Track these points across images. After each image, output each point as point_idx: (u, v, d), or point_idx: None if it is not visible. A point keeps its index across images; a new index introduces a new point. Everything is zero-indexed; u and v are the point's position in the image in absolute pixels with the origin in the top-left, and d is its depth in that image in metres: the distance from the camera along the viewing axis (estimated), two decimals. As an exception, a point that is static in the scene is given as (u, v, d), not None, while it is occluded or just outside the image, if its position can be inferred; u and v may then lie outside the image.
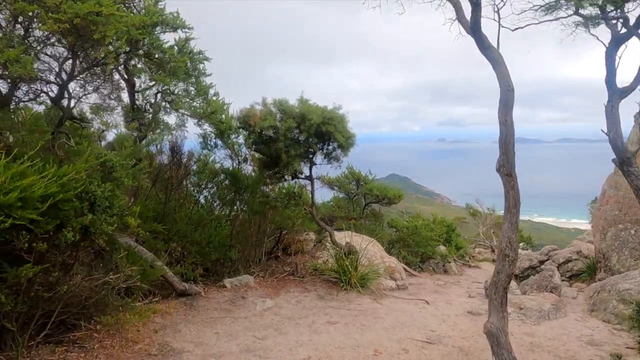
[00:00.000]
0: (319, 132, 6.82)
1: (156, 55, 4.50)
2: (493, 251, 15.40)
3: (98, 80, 4.68)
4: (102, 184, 4.15)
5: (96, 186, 4.02)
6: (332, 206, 10.56)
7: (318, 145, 7.14)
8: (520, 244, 17.72)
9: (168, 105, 6.51)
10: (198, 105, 6.58)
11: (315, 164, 7.64)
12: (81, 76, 4.24)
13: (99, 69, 5.36)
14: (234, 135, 8.07)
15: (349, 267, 7.36)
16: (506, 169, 3.60)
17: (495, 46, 3.72)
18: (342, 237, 9.03)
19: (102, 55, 3.70)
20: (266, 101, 7.22)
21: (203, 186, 8.05)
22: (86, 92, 4.45)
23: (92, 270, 4.92)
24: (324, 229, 8.02)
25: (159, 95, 6.59)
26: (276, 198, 7.97)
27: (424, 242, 11.40)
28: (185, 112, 6.48)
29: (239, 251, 7.53)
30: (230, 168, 7.98)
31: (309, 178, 7.70)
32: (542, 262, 10.19)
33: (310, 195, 7.90)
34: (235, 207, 7.70)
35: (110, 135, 8.09)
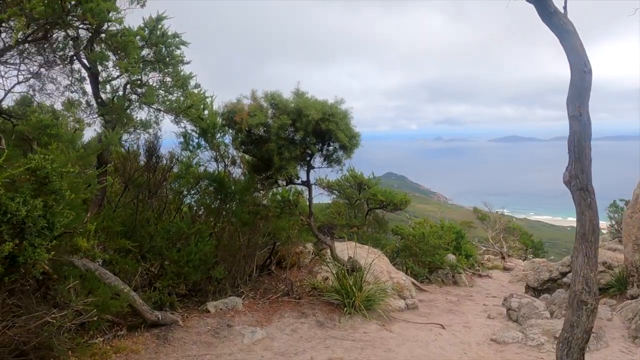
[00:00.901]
0: (318, 130, 5.80)
1: (94, 26, 3.46)
2: (503, 258, 14.41)
3: (39, 66, 3.63)
4: (31, 199, 3.11)
5: (19, 203, 2.99)
6: (331, 212, 9.55)
7: (317, 146, 6.12)
8: (529, 250, 16.76)
9: (138, 99, 5.48)
10: (174, 98, 5.55)
11: (314, 168, 6.61)
12: (7, 58, 3.20)
13: (48, 51, 4.33)
14: (219, 134, 7.04)
15: (353, 287, 6.35)
16: (580, 181, 2.59)
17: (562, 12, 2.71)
18: (344, 249, 8.03)
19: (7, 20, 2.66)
20: (256, 94, 6.20)
21: (185, 193, 7.02)
22: (20, 81, 3.40)
23: (34, 305, 3.91)
24: (323, 242, 7.00)
25: (128, 87, 5.56)
26: (268, 206, 6.94)
27: (431, 250, 10.42)
28: (159, 107, 5.45)
29: (225, 268, 6.51)
30: (217, 172, 6.96)
31: (306, 184, 6.68)
32: (563, 274, 9.22)
33: (307, 203, 6.87)
34: (221, 218, 6.67)
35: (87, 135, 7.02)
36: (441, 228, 11.45)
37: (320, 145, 6.28)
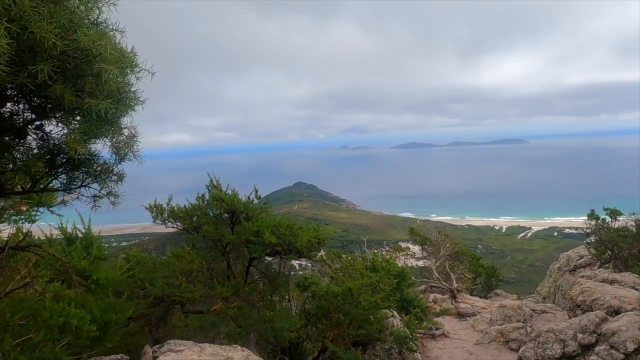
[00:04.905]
0: None
1: None
2: (454, 297, 10.66)
3: None
4: None
5: None
6: (174, 272, 4.77)
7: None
8: (479, 279, 13.29)
9: None
10: None
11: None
12: None
13: None
14: None
15: None
16: None
17: None
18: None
19: None
20: None
21: None
22: None
23: None
24: None
25: None
26: None
27: (365, 314, 6.14)
28: None
29: None
30: None
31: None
32: (587, 348, 5.52)
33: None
34: None
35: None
36: (374, 269, 7.27)
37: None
